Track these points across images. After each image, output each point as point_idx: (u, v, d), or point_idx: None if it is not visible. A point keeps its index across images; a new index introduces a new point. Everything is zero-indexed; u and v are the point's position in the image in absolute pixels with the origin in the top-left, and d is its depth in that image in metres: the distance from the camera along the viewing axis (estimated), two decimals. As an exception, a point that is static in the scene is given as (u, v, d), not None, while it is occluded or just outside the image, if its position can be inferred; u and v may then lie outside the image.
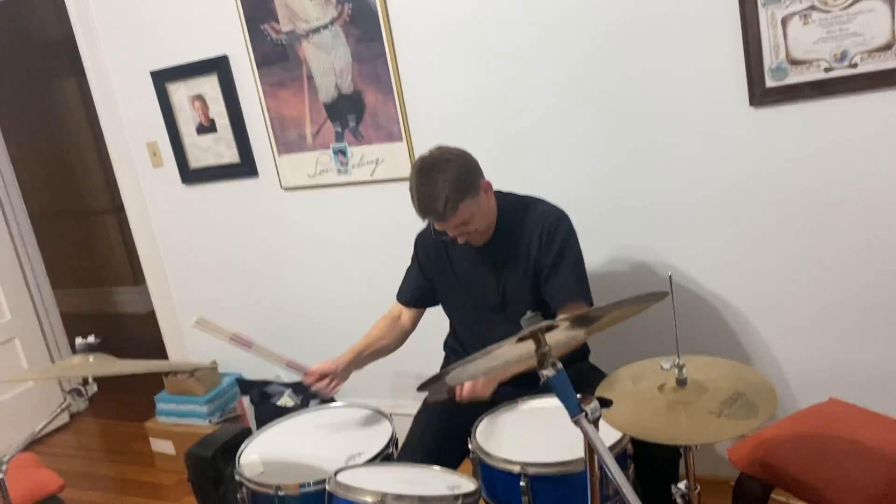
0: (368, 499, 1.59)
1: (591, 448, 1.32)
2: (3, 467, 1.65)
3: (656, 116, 2.32)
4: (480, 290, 2.17)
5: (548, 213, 2.11)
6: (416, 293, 2.33)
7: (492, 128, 2.57)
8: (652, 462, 1.87)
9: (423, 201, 1.95)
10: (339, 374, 2.19)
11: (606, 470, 1.24)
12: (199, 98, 3.12)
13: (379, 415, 2.16)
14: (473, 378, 1.53)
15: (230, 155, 3.14)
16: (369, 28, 2.65)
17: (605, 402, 1.31)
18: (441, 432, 2.09)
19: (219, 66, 3.01)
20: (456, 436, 1.96)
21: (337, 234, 3.04)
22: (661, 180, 2.37)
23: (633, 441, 1.78)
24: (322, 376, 2.16)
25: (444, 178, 1.92)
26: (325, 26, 2.73)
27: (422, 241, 2.30)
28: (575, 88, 2.41)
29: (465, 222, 1.99)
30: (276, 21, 2.81)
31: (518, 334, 1.33)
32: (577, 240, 2.12)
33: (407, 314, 2.35)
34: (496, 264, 2.14)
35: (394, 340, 2.33)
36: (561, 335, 1.47)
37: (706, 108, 2.25)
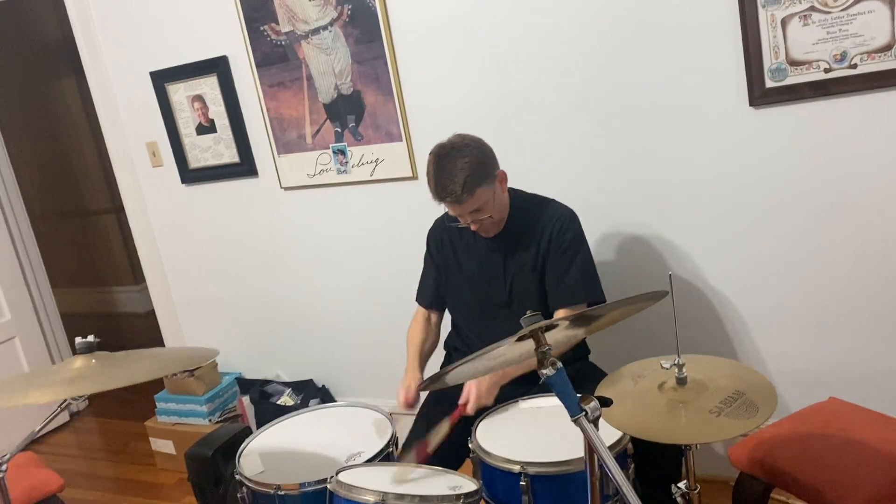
0: (369, 498, 1.59)
1: (591, 447, 1.32)
2: (3, 467, 1.64)
3: (656, 117, 2.32)
4: (487, 286, 2.17)
5: (560, 212, 2.13)
6: (436, 293, 2.33)
7: (492, 128, 2.57)
8: (652, 461, 1.87)
9: (441, 183, 1.96)
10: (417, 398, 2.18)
11: (606, 469, 1.24)
12: (199, 98, 3.12)
13: (379, 414, 2.16)
14: (474, 376, 1.53)
15: (230, 155, 3.14)
16: (369, 29, 2.65)
17: (604, 402, 1.31)
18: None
19: (218, 67, 3.02)
20: (457, 435, 1.96)
21: (336, 234, 3.04)
22: (661, 180, 2.38)
23: (633, 440, 1.78)
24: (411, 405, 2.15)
25: (462, 162, 1.95)
26: (325, 27, 2.73)
27: (434, 234, 2.32)
28: (574, 88, 2.41)
29: (479, 209, 2.00)
30: (276, 22, 2.81)
31: (518, 333, 1.34)
32: (586, 240, 2.14)
33: (434, 313, 2.36)
34: (505, 259, 2.14)
35: (434, 338, 2.35)
36: (561, 335, 1.47)
37: (706, 108, 2.25)
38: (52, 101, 5.44)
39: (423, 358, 2.29)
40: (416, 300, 2.38)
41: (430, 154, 2.02)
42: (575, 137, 2.46)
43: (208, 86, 3.07)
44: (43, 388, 1.55)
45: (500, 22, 2.46)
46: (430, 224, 2.33)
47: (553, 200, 2.18)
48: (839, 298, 2.25)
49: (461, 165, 1.94)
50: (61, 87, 5.35)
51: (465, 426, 1.94)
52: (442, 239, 2.27)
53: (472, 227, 2.07)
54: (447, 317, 2.37)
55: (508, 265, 2.14)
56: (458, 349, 2.31)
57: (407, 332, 2.34)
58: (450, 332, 2.37)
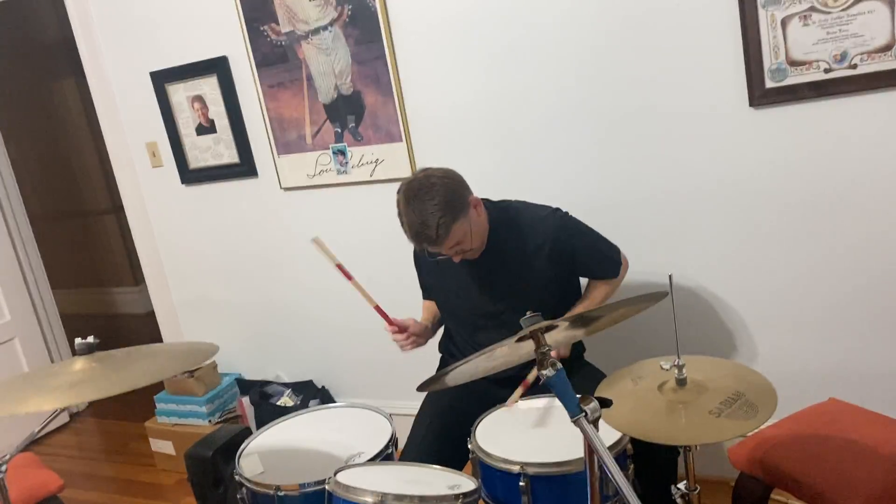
0: (368, 499, 1.59)
1: (590, 448, 1.32)
2: (3, 467, 1.64)
3: (656, 117, 2.32)
4: (475, 300, 2.15)
5: (545, 222, 2.10)
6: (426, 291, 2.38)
7: (491, 128, 2.58)
8: (652, 462, 1.87)
9: (415, 229, 1.93)
10: (418, 332, 2.20)
11: (606, 470, 1.24)
12: (199, 99, 3.12)
13: (379, 415, 2.16)
14: (473, 377, 1.54)
15: (229, 155, 3.14)
16: (369, 29, 2.65)
17: (604, 402, 1.31)
18: (443, 433, 2.09)
19: (218, 67, 3.02)
20: (458, 436, 1.96)
21: (336, 234, 3.04)
22: (661, 181, 2.38)
23: (633, 441, 1.78)
24: (402, 329, 2.17)
25: (432, 204, 1.90)
26: (325, 27, 2.73)
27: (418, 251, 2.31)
28: (574, 88, 2.41)
29: (459, 242, 1.97)
30: (276, 22, 2.81)
31: (518, 334, 1.33)
32: (583, 223, 2.15)
33: None
34: (490, 274, 2.12)
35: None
36: (561, 335, 1.47)
37: (706, 108, 2.25)
38: (52, 101, 5.44)
39: (435, 318, 2.32)
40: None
41: (398, 194, 1.97)
42: (575, 137, 2.46)
43: (208, 86, 3.07)
44: (44, 393, 1.54)
45: (499, 22, 2.46)
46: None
47: (530, 205, 2.16)
48: (839, 299, 2.25)
49: (431, 209, 1.89)
50: (61, 87, 5.35)
51: (466, 427, 1.94)
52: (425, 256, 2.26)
53: (456, 259, 2.05)
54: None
55: (494, 279, 2.12)
56: (452, 353, 2.31)
57: None
58: (443, 336, 2.36)
